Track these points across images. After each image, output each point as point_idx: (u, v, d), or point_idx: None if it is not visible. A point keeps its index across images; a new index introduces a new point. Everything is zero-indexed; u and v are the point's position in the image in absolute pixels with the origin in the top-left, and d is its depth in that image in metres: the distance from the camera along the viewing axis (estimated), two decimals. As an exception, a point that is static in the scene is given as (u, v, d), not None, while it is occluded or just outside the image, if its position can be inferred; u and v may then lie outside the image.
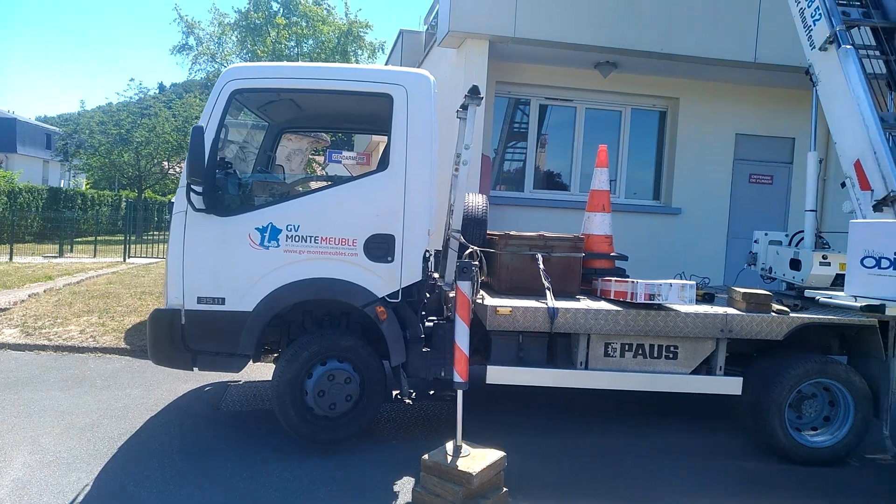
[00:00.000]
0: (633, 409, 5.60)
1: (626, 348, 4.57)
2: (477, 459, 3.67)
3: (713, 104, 9.70)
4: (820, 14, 5.20)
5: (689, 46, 8.34)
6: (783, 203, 9.78)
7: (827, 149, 8.85)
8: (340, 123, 6.88)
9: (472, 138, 5.04)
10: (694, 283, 4.48)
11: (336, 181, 4.83)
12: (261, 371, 6.17)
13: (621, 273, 5.38)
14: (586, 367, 4.51)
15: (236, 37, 26.83)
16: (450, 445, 3.80)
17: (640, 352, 4.53)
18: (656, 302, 4.37)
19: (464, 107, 5.18)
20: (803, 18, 5.42)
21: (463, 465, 3.60)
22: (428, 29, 11.51)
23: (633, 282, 4.46)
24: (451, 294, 4.48)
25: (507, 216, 8.96)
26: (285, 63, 5.90)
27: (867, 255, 3.54)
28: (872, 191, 4.69)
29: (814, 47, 5.30)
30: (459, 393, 3.91)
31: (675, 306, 4.48)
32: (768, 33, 8.27)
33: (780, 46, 8.05)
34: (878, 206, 4.64)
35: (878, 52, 5.40)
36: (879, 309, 3.42)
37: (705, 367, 4.67)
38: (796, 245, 5.63)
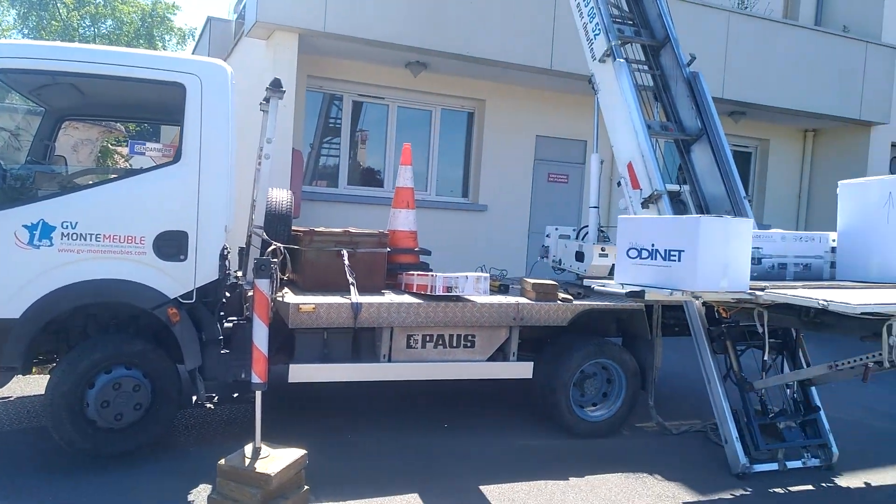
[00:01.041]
0: (443, 399, 5.81)
1: (427, 339, 4.73)
2: (276, 460, 3.60)
3: (516, 107, 10.32)
4: (599, 29, 5.73)
5: (491, 51, 8.79)
6: (577, 200, 10.66)
7: (611, 151, 9.79)
8: (131, 113, 6.38)
9: (274, 132, 4.93)
10: (488, 275, 4.75)
11: (123, 174, 4.48)
12: (40, 384, 5.57)
13: (425, 267, 5.55)
14: (389, 360, 4.60)
15: (17, 11, 23.82)
16: (248, 448, 3.70)
17: (441, 342, 4.71)
18: (454, 294, 4.58)
19: (267, 100, 5.05)
20: (586, 32, 5.94)
21: (261, 466, 3.52)
22: (238, 18, 11.03)
23: (432, 275, 4.63)
24: (251, 293, 4.34)
25: (322, 212, 8.87)
26: (60, 43, 5.33)
27: (631, 247, 3.97)
28: (641, 190, 5.28)
29: (595, 59, 5.83)
30: (258, 394, 3.81)
31: (471, 297, 4.72)
32: (563, 43, 8.93)
33: (573, 56, 8.76)
34: (645, 204, 5.23)
35: (646, 67, 6.08)
36: (640, 294, 3.86)
37: (501, 354, 4.97)
38: (582, 239, 6.16)
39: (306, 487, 3.71)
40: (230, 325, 4.54)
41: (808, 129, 13.06)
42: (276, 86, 4.82)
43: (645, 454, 4.79)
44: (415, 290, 4.89)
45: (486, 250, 9.34)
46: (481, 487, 4.05)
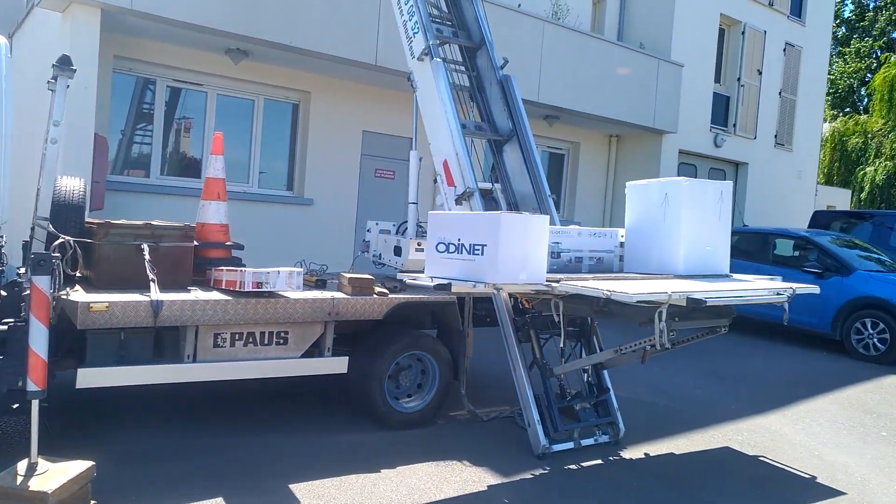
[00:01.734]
0: (261, 397, 5.63)
1: (237, 337, 4.55)
2: (56, 475, 3.28)
3: (342, 101, 10.24)
4: (418, 28, 5.84)
5: (315, 42, 8.63)
6: (404, 196, 10.70)
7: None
8: None
9: (62, 114, 4.49)
10: (301, 269, 4.66)
11: None
12: None
13: (237, 262, 5.34)
14: (194, 360, 4.37)
15: None
16: (22, 464, 3.34)
17: (251, 340, 4.56)
18: (266, 290, 4.44)
19: (54, 78, 4.57)
20: (405, 30, 6.03)
21: (37, 484, 3.19)
22: (29, -16, 9.88)
23: (241, 270, 4.46)
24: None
25: (132, 203, 8.24)
26: None
27: (440, 242, 4.11)
28: (455, 187, 5.46)
29: (413, 57, 5.94)
30: (35, 403, 3.44)
31: (284, 293, 4.61)
32: (388, 39, 8.98)
33: (398, 53, 8.85)
34: (459, 200, 5.42)
35: (463, 68, 6.30)
36: (447, 287, 4.00)
37: (316, 350, 4.92)
38: (402, 234, 6.26)
39: (93, 501, 3.42)
40: (5, 327, 4.06)
41: (612, 135, 14.29)
42: (63, 63, 4.39)
43: (456, 442, 4.98)
44: (224, 287, 4.69)
45: (312, 245, 9.16)
46: (291, 486, 3.98)
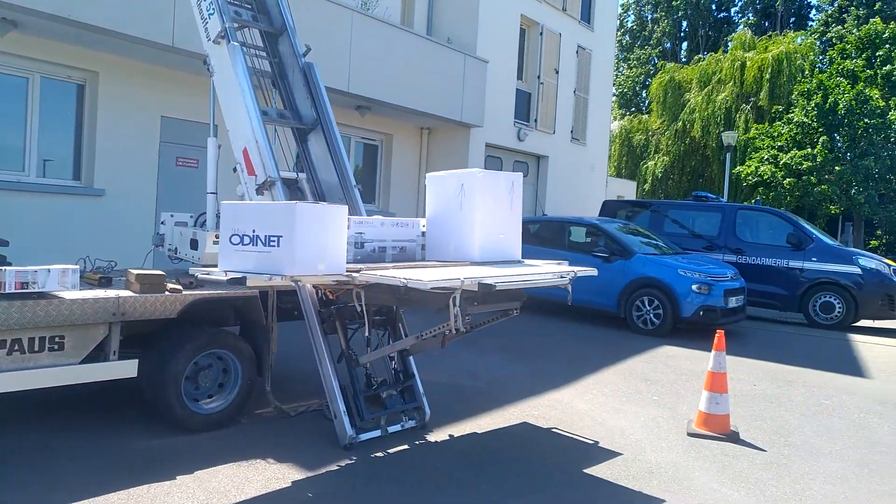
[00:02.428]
0: (40, 405, 5.05)
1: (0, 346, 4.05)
2: None
3: (137, 84, 9.47)
4: (213, 9, 5.53)
5: (101, 17, 7.87)
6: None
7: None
8: None
9: None
10: (77, 266, 4.25)
11: None
12: None
13: (2, 261, 4.74)
14: (-55, 374, 3.82)
15: None
16: None
17: (17, 347, 4.06)
18: (33, 290, 3.99)
19: None
20: (200, 11, 5.68)
21: None
22: None
23: (2, 270, 3.96)
24: None
25: None
26: None
27: (234, 234, 3.94)
28: (256, 176, 5.27)
29: (209, 39, 5.62)
30: None
31: (58, 293, 4.17)
32: (186, 19, 8.43)
33: (197, 33, 8.33)
34: (259, 190, 5.24)
35: (265, 54, 6.09)
36: (242, 281, 3.87)
37: (101, 354, 4.51)
38: (201, 226, 5.93)
39: None
40: None
41: (424, 127, 14.66)
42: None
43: (261, 440, 4.84)
44: (-15, 288, 4.13)
45: (104, 241, 8.42)
46: (70, 504, 3.62)
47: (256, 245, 3.84)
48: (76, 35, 8.21)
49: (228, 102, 5.51)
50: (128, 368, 4.54)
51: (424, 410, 5.34)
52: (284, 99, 6.07)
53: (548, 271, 4.64)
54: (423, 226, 5.19)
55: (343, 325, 5.14)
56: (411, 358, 5.41)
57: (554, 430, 5.54)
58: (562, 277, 4.59)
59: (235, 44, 5.49)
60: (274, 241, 3.75)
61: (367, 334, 4.99)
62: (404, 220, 5.14)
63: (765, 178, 23.26)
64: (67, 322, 4.18)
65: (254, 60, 5.93)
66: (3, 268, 3.97)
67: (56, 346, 4.21)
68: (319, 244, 3.84)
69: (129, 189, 9.41)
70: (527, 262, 5.14)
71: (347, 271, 4.07)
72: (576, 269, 4.79)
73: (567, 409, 6.11)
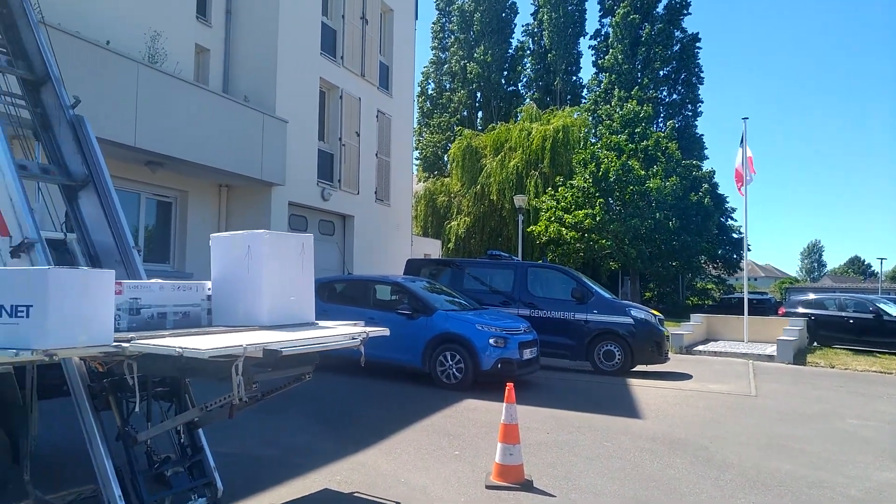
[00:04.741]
0: None
1: None
2: None
3: None
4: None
5: None
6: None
7: None
8: None
9: None
10: None
11: None
12: None
13: None
14: None
15: None
16: None
17: None
18: None
19: None
20: (-59, 50, 5.04)
21: None
22: None
23: None
24: None
25: None
26: None
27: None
28: (10, 237, 4.69)
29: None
30: None
31: None
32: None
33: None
34: (15, 253, 4.65)
35: (24, 103, 5.53)
36: (-16, 358, 3.37)
37: None
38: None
39: None
40: None
41: (222, 184, 14.15)
42: None
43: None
44: None
45: None
46: None
47: (1, 316, 3.38)
48: None
49: (-23, 154, 4.89)
50: None
51: (216, 486, 4.96)
52: (49, 152, 5.53)
53: (339, 333, 4.61)
54: (209, 289, 4.93)
55: (118, 399, 4.66)
56: (201, 430, 5.03)
57: (356, 494, 5.43)
58: (354, 339, 4.58)
59: (-12, 91, 4.94)
60: (22, 311, 3.32)
61: (138, 409, 4.55)
62: (188, 283, 4.85)
63: (552, 235, 25.57)
64: None
65: (10, 108, 5.36)
66: None
67: None
68: (79, 313, 3.47)
69: None
70: (321, 323, 5.08)
71: (116, 341, 3.72)
72: (368, 329, 4.81)
73: (370, 470, 6.03)
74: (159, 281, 4.71)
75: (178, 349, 3.50)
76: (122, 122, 9.97)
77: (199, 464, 5.02)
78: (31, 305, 3.29)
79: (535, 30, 47.13)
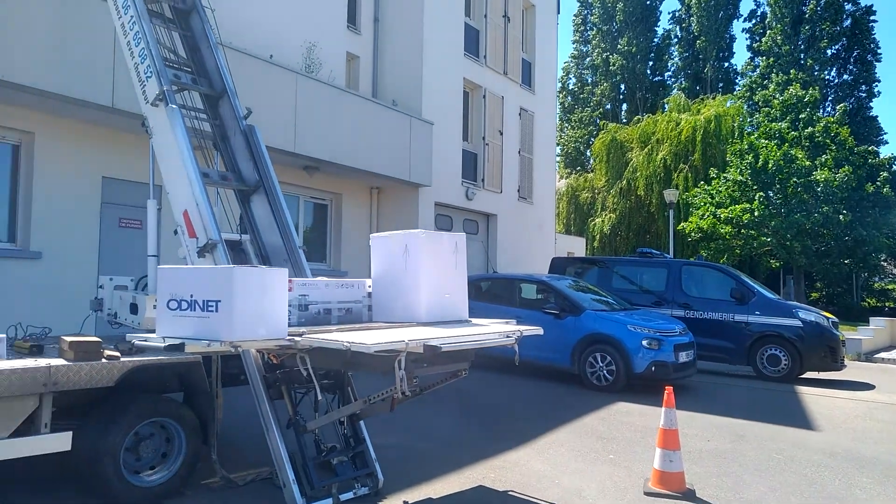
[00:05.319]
0: None
1: (-82, 422, 3.77)
2: None
3: (76, 144, 9.29)
4: (151, 72, 5.50)
5: (35, 78, 7.75)
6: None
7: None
8: None
9: None
10: (4, 336, 4.03)
11: None
12: None
13: (-76, 331, 4.47)
14: None
15: None
16: None
17: (-65, 423, 3.80)
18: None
19: None
20: (138, 73, 5.65)
21: None
22: None
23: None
24: None
25: None
26: None
27: (171, 299, 3.82)
28: (197, 238, 5.16)
29: (147, 102, 5.57)
30: None
31: (-16, 364, 3.94)
32: (126, 79, 8.39)
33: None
34: (201, 253, 5.12)
35: (206, 116, 6.06)
36: (180, 347, 3.73)
37: (31, 427, 4.25)
38: (142, 290, 5.74)
39: None
40: None
41: (373, 186, 14.75)
42: None
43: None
44: None
45: (41, 304, 8.09)
46: None
47: (194, 310, 3.72)
48: (10, 96, 8.05)
49: (168, 164, 5.44)
50: (61, 442, 4.27)
51: (377, 477, 5.17)
52: (226, 161, 6.03)
53: (494, 331, 4.63)
54: (369, 287, 5.14)
55: (290, 389, 4.99)
56: (362, 422, 5.26)
57: (511, 492, 5.42)
58: (508, 337, 4.58)
59: (174, 106, 5.46)
60: (212, 305, 3.64)
61: (314, 399, 4.84)
62: (349, 280, 5.09)
63: (706, 230, 24.07)
64: (-8, 394, 3.93)
65: (194, 122, 5.90)
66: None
67: (-21, 421, 3.94)
68: (259, 308, 3.75)
69: (68, 251, 9.09)
70: (474, 321, 5.12)
71: (290, 335, 3.97)
72: (522, 328, 4.79)
73: (523, 469, 6.01)
74: (324, 279, 4.98)
75: (345, 343, 3.67)
76: (282, 129, 10.69)
77: (362, 454, 5.25)
78: (220, 301, 3.60)
79: (683, 15, 44.86)
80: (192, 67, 6.11)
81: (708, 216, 24.14)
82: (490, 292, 11.96)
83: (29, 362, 4.23)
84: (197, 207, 5.10)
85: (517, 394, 9.68)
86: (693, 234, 24.92)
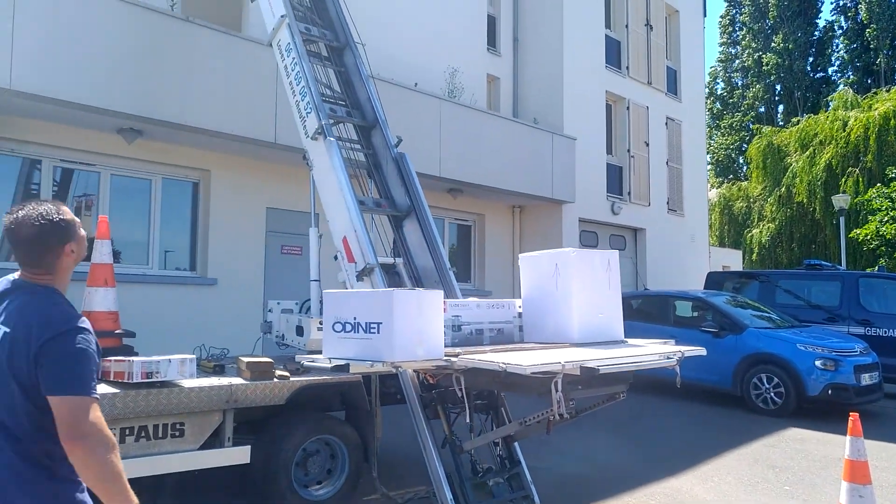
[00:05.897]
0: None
1: (128, 433, 4.24)
2: None
3: (244, 178, 10.12)
4: (310, 108, 5.90)
5: (212, 122, 8.57)
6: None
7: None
8: None
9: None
10: (193, 356, 4.45)
11: None
12: None
13: (129, 351, 5.06)
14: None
15: None
16: None
17: (143, 434, 4.26)
18: (157, 380, 4.20)
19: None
20: (298, 110, 6.08)
21: None
22: None
23: (130, 361, 4.21)
24: None
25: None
26: None
27: (336, 321, 4.03)
28: (356, 263, 5.43)
29: (307, 136, 5.97)
30: None
31: (178, 382, 4.37)
32: (286, 117, 9.05)
33: (296, 129, 8.92)
34: (359, 277, 5.37)
35: (360, 146, 6.39)
36: (345, 368, 3.92)
37: (216, 441, 4.65)
38: (306, 313, 6.12)
39: None
40: None
41: (515, 206, 14.77)
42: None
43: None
44: (112, 378, 4.40)
45: (218, 327, 8.85)
46: None
47: (358, 332, 3.90)
48: (191, 138, 8.95)
49: (327, 194, 5.77)
50: (242, 454, 4.64)
51: (534, 500, 5.09)
52: (379, 188, 6.31)
53: (653, 352, 4.43)
54: (519, 307, 5.12)
55: (445, 409, 5.07)
56: (517, 443, 5.24)
57: (673, 522, 5.16)
58: (669, 358, 4.36)
59: (332, 139, 5.79)
60: (374, 327, 3.80)
61: (468, 420, 4.88)
62: (500, 301, 5.10)
63: (888, 237, 21.62)
64: (187, 409, 4.36)
65: (349, 152, 6.23)
66: (130, 358, 4.22)
67: (177, 433, 4.38)
68: (417, 329, 3.85)
69: (239, 277, 9.91)
70: (630, 341, 4.94)
71: (446, 355, 4.05)
72: (683, 348, 4.55)
73: (687, 498, 5.69)
74: (475, 300, 5.04)
75: (501, 364, 3.67)
76: (428, 154, 11.01)
77: (517, 476, 5.20)
78: (381, 323, 3.75)
79: (849, 4, 41.13)
80: (346, 100, 6.47)
81: (889, 221, 21.71)
82: (642, 310, 11.52)
83: (213, 381, 4.64)
84: (355, 233, 5.36)
85: (675, 416, 9.21)
86: (870, 242, 22.50)
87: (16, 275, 2.25)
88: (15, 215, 2.17)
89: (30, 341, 2.03)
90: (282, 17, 6.28)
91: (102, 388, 4.17)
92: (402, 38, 12.39)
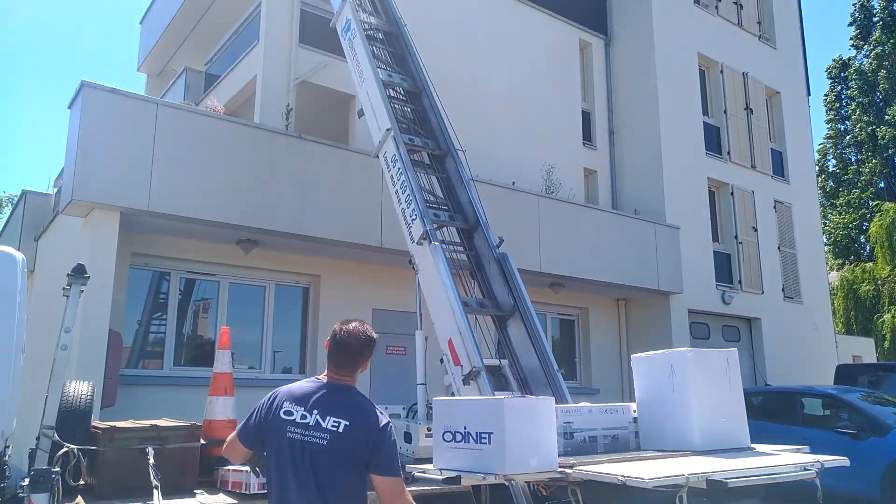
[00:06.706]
0: None
1: (243, 544, 4.30)
2: None
3: (351, 281, 10.49)
4: (416, 215, 6.13)
5: (322, 230, 9.05)
6: (414, 374, 10.70)
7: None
8: None
9: (73, 320, 4.60)
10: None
11: None
12: None
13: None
14: (193, 574, 4.10)
15: None
16: None
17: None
18: (271, 490, 4.26)
19: (69, 285, 4.75)
20: (404, 217, 6.32)
21: None
22: (57, 192, 10.61)
23: (246, 471, 4.31)
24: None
25: (145, 396, 8.20)
26: None
27: (446, 430, 3.98)
28: (462, 366, 5.42)
29: (413, 241, 6.17)
30: None
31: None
32: (391, 222, 9.41)
33: (401, 233, 9.25)
34: (466, 380, 5.35)
35: (462, 248, 6.52)
36: (456, 480, 3.83)
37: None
38: (413, 418, 6.12)
39: None
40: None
41: (619, 298, 14.39)
42: (78, 272, 4.57)
43: None
44: (230, 488, 4.52)
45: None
46: None
47: (468, 442, 3.84)
48: (303, 246, 9.46)
49: (432, 296, 5.88)
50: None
51: None
52: (482, 288, 6.36)
53: (787, 462, 4.08)
54: (635, 411, 4.90)
55: (555, 521, 4.83)
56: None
57: None
58: (806, 470, 3.99)
59: (437, 243, 5.96)
60: (485, 437, 3.73)
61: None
62: (613, 405, 4.91)
63: None
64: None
65: (452, 254, 6.36)
66: (247, 469, 4.32)
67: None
68: (529, 439, 3.75)
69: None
70: (757, 447, 4.59)
71: (560, 466, 3.89)
72: (822, 458, 4.16)
73: None
74: (588, 404, 4.87)
75: (620, 477, 3.49)
76: (528, 250, 11.05)
77: None
78: (492, 433, 3.68)
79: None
80: (449, 204, 6.69)
81: None
82: (764, 408, 10.70)
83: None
84: (460, 336, 5.39)
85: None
86: None
87: (320, 377, 3.01)
88: (345, 328, 2.98)
89: (368, 430, 2.80)
90: (387, 130, 6.66)
91: (219, 500, 4.28)
92: (500, 138, 12.79)
